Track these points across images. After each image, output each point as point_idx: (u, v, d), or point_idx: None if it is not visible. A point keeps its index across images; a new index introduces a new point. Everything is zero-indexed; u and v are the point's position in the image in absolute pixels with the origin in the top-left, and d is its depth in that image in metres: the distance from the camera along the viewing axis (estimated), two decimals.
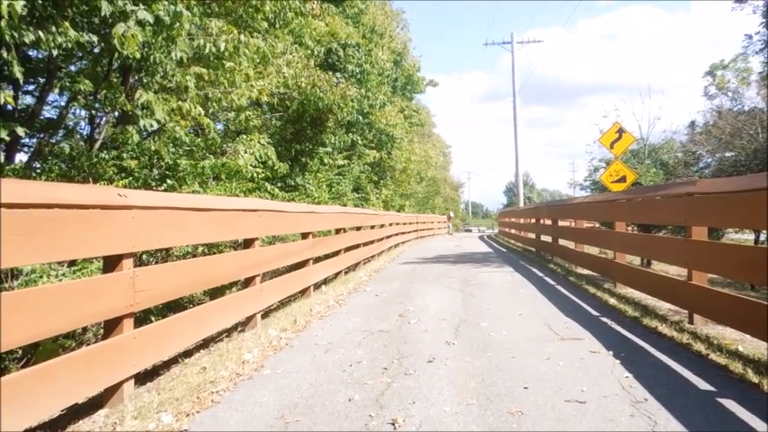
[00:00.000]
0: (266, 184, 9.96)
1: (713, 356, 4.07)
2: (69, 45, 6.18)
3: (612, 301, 6.55)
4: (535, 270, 10.60)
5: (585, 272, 9.21)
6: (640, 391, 3.36)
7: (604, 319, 5.59)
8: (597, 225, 12.28)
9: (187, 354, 4.31)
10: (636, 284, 6.73)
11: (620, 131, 11.33)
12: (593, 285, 7.80)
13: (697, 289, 4.92)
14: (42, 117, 8.40)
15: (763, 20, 19.42)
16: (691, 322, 5.11)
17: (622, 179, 11.19)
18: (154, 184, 7.04)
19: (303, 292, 7.15)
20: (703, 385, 3.49)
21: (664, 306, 6.00)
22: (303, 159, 13.99)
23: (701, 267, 5.00)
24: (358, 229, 11.13)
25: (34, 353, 3.87)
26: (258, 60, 9.13)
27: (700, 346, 4.33)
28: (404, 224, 20.24)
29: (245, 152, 8.92)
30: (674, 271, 8.09)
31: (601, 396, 3.28)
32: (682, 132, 22.74)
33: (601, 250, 11.04)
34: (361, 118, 16.12)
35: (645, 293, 6.43)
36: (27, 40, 5.57)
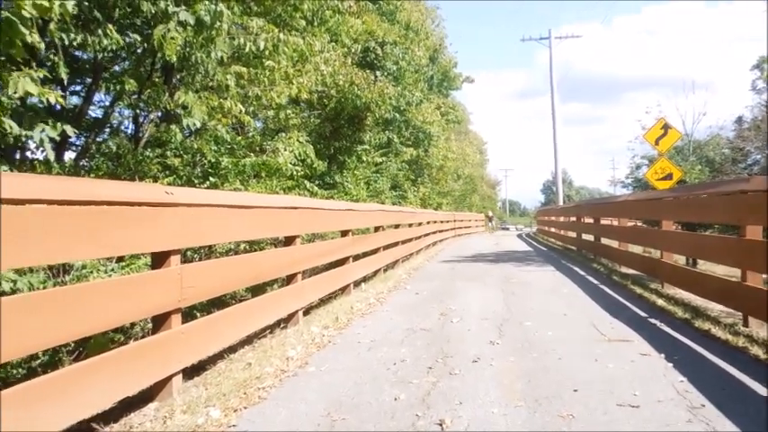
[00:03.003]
0: (305, 181, 10.01)
1: None
2: (113, 47, 6.31)
3: (660, 301, 6.36)
4: (577, 269, 10.40)
5: (630, 271, 8.98)
6: (696, 396, 3.24)
7: (653, 321, 5.43)
8: (640, 223, 11.99)
9: (232, 349, 4.34)
10: (685, 285, 6.52)
11: (666, 127, 11.03)
12: (638, 285, 7.60)
13: (752, 290, 4.73)
14: (89, 116, 8.61)
15: None
16: (746, 325, 4.92)
17: (668, 176, 10.89)
18: (197, 181, 7.14)
19: (343, 289, 7.16)
20: (764, 391, 3.34)
21: (715, 308, 5.79)
22: (341, 157, 14.03)
23: (757, 268, 4.81)
24: (396, 226, 11.08)
25: (85, 346, 3.95)
26: (297, 58, 9.18)
27: (757, 350, 4.16)
28: (441, 222, 20.12)
29: (285, 150, 8.97)
30: (721, 271, 7.82)
31: (655, 401, 3.17)
32: (728, 128, 22.03)
33: (645, 249, 10.77)
34: (398, 115, 16.05)
35: (694, 294, 6.23)
36: (74, 43, 5.70)
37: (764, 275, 5.00)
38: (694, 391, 3.31)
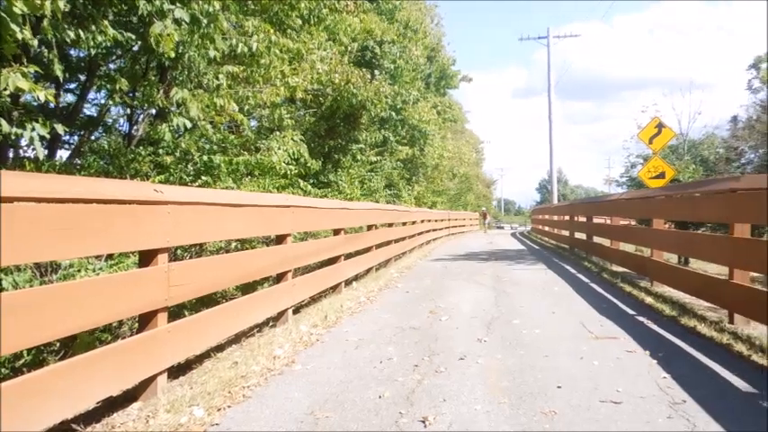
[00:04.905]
0: (299, 180, 10.02)
1: (755, 357, 3.94)
2: (108, 44, 6.31)
3: (649, 299, 6.40)
4: (569, 267, 10.43)
5: (620, 269, 9.03)
6: (678, 392, 3.27)
7: (640, 318, 5.47)
8: (633, 222, 12.03)
9: (219, 348, 4.35)
10: (673, 283, 6.56)
11: (660, 126, 11.07)
12: (628, 283, 7.63)
13: (738, 288, 4.77)
14: (83, 115, 8.62)
15: None
16: (731, 322, 4.96)
17: (661, 175, 10.94)
18: (189, 179, 7.14)
19: (334, 288, 7.17)
20: (745, 387, 3.38)
21: (702, 305, 5.83)
22: (336, 156, 14.04)
23: (743, 266, 4.85)
24: (389, 225, 11.10)
25: (71, 345, 3.96)
26: (292, 57, 9.19)
27: (741, 347, 4.20)
28: (436, 221, 20.15)
29: (279, 149, 8.98)
30: (713, 269, 7.87)
31: (637, 397, 3.20)
32: (723, 127, 22.11)
33: (637, 248, 10.82)
34: (394, 114, 16.06)
35: (683, 292, 6.27)
36: (68, 39, 5.70)
37: (751, 273, 5.04)
38: (677, 388, 3.35)
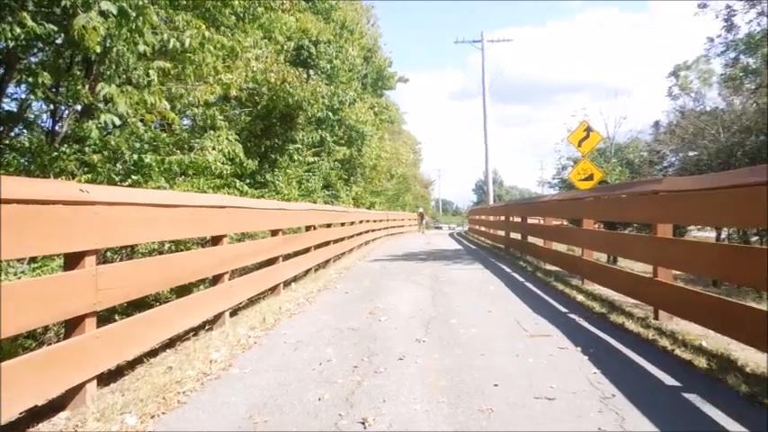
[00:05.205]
0: (235, 180, 9.83)
1: (678, 352, 4.14)
2: (27, 36, 5.97)
3: (580, 297, 6.63)
4: (504, 267, 10.68)
5: (554, 268, 9.31)
6: (608, 387, 3.40)
7: (572, 316, 5.65)
8: (566, 223, 12.45)
9: (153, 353, 4.20)
10: (603, 281, 6.82)
11: (588, 130, 11.49)
12: (561, 282, 7.88)
13: (662, 285, 5.01)
14: (1, 110, 8.13)
15: (725, 24, 19.98)
16: (656, 318, 5.19)
17: (590, 177, 11.36)
18: (118, 179, 6.87)
19: (273, 289, 7.07)
20: (669, 381, 3.54)
21: (630, 302, 6.08)
22: (273, 156, 13.86)
23: (666, 264, 5.09)
24: (328, 226, 11.05)
25: None
26: (226, 54, 8.99)
27: (665, 342, 4.40)
28: (374, 221, 20.21)
29: (213, 149, 8.77)
30: (640, 268, 8.24)
31: (570, 392, 3.30)
32: (647, 132, 23.21)
33: (569, 247, 11.19)
34: (331, 114, 16.01)
35: (612, 290, 6.52)
36: None
37: (673, 271, 5.30)
38: (606, 383, 3.47)
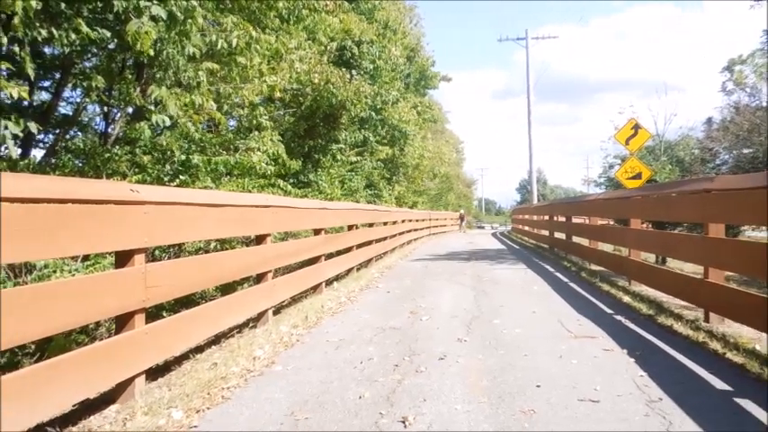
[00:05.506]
0: (279, 180, 9.97)
1: (730, 355, 4.01)
2: (83, 42, 6.20)
3: (626, 298, 6.48)
4: (548, 267, 10.52)
5: (599, 269, 9.12)
6: (655, 390, 3.31)
7: (618, 317, 5.53)
8: (611, 222, 12.17)
9: (198, 349, 4.31)
10: (650, 282, 6.65)
11: (636, 127, 11.20)
12: (606, 283, 7.72)
13: (713, 286, 4.85)
14: (58, 113, 8.47)
15: None
16: (707, 320, 5.03)
17: (638, 176, 11.07)
18: (167, 179, 7.06)
19: (315, 288, 7.15)
20: (720, 385, 3.43)
21: (679, 304, 5.91)
22: (316, 156, 13.99)
23: (718, 265, 4.93)
24: (370, 225, 11.09)
25: (47, 348, 3.89)
26: (271, 55, 9.13)
27: (716, 345, 4.27)
28: (416, 221, 20.19)
29: (258, 150, 8.92)
30: (690, 269, 7.98)
31: (615, 395, 3.24)
32: (698, 129, 22.41)
33: (615, 247, 10.95)
34: (374, 114, 16.07)
35: (660, 291, 6.35)
36: (39, 38, 5.60)
37: (726, 272, 5.12)
38: (653, 386, 3.39)
